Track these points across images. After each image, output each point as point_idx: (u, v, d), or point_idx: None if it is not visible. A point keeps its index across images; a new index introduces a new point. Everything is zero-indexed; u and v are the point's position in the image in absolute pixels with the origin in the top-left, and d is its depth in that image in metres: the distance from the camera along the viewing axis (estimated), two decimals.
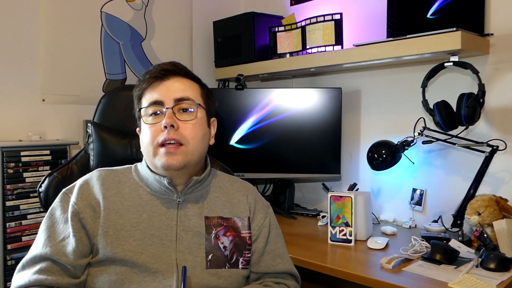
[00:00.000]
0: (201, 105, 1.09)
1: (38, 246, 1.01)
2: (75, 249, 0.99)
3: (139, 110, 1.07)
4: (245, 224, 1.12)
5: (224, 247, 1.07)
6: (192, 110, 1.06)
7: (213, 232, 1.08)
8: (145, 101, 1.07)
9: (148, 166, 1.10)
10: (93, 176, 1.10)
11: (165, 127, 1.02)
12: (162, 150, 1.03)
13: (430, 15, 1.77)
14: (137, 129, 1.14)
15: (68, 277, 0.99)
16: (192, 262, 1.04)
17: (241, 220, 1.12)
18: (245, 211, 1.14)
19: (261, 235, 1.14)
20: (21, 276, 0.99)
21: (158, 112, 1.05)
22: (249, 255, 1.10)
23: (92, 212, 1.03)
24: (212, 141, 1.16)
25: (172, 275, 1.01)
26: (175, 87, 1.06)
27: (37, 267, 0.98)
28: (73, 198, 1.04)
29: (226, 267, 1.06)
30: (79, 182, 1.09)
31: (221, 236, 1.08)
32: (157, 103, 1.04)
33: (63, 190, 1.08)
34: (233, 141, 2.12)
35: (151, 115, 1.05)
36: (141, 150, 1.10)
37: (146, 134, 1.05)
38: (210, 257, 1.05)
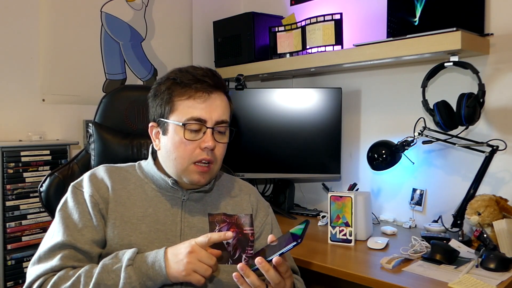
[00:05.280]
0: (231, 128, 1.13)
1: (57, 236, 1.00)
2: (98, 238, 1.01)
3: (184, 124, 1.04)
4: (248, 221, 1.15)
5: (227, 243, 1.09)
6: (226, 133, 1.11)
7: (217, 228, 1.10)
8: (183, 111, 1.05)
9: (155, 164, 1.12)
10: (99, 170, 1.12)
11: (206, 148, 1.04)
12: (194, 168, 1.05)
13: (430, 15, 1.77)
14: (151, 124, 1.12)
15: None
16: None
17: (244, 217, 1.15)
18: (248, 208, 1.18)
19: (263, 232, 1.18)
20: (38, 268, 0.96)
21: (198, 129, 1.05)
22: (251, 251, 1.13)
23: (105, 203, 1.05)
24: None
25: None
26: (216, 106, 1.07)
27: (59, 255, 0.96)
28: (88, 190, 1.05)
29: (229, 263, 1.08)
30: (87, 175, 1.10)
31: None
32: (199, 120, 1.05)
33: (72, 184, 1.09)
34: (233, 141, 2.11)
35: (189, 129, 1.05)
36: (163, 154, 1.09)
37: (180, 148, 1.05)
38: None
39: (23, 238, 1.65)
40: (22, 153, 1.65)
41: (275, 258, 0.90)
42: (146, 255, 0.95)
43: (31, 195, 1.66)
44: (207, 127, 1.05)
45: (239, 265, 0.91)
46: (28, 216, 1.67)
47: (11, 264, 1.63)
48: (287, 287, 0.96)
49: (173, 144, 1.06)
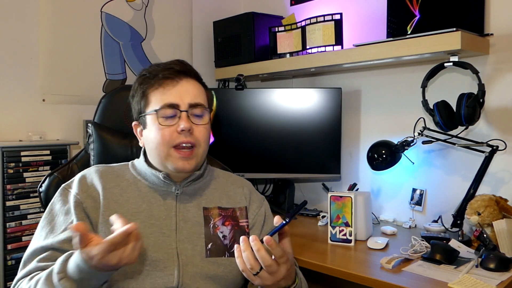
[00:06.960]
0: (208, 109, 1.13)
1: (39, 240, 1.02)
2: None
3: (156, 111, 1.07)
4: (243, 213, 1.16)
5: (224, 236, 1.10)
6: (203, 115, 1.11)
7: (212, 222, 1.11)
8: (155, 101, 1.08)
9: (146, 161, 1.13)
10: (91, 171, 1.13)
11: (182, 130, 1.04)
12: (176, 154, 1.06)
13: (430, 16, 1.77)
14: (134, 123, 1.15)
15: None
16: (192, 251, 1.07)
17: (239, 210, 1.16)
18: (242, 201, 1.19)
19: (256, 223, 1.18)
20: (20, 273, 0.99)
21: (173, 114, 1.06)
22: None
23: (93, 202, 1.06)
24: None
25: (173, 264, 1.03)
26: (188, 91, 1.09)
27: (37, 257, 0.98)
28: (74, 190, 1.07)
29: (226, 256, 1.09)
30: (77, 176, 1.12)
31: (220, 225, 1.11)
32: (172, 106, 1.06)
33: (62, 185, 1.11)
34: (233, 141, 2.11)
35: (164, 116, 1.06)
36: (147, 148, 1.12)
37: (157, 135, 1.06)
38: (209, 246, 1.08)
39: (23, 238, 1.65)
40: (22, 153, 1.65)
41: (265, 237, 0.90)
42: (68, 262, 0.87)
43: (31, 195, 1.67)
44: (181, 111, 1.06)
45: (251, 237, 0.91)
46: (28, 216, 1.67)
47: (11, 264, 1.63)
48: (280, 272, 0.93)
49: (152, 134, 1.08)
